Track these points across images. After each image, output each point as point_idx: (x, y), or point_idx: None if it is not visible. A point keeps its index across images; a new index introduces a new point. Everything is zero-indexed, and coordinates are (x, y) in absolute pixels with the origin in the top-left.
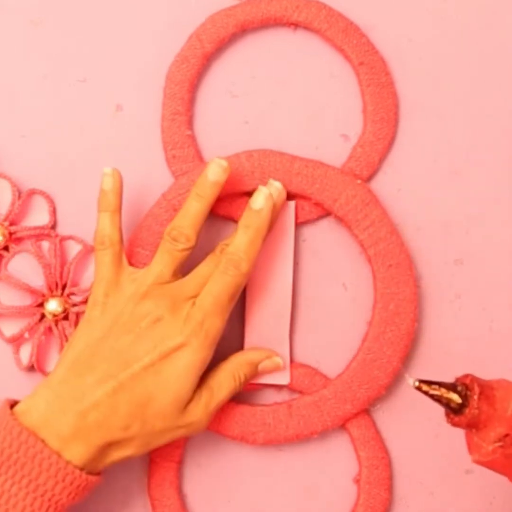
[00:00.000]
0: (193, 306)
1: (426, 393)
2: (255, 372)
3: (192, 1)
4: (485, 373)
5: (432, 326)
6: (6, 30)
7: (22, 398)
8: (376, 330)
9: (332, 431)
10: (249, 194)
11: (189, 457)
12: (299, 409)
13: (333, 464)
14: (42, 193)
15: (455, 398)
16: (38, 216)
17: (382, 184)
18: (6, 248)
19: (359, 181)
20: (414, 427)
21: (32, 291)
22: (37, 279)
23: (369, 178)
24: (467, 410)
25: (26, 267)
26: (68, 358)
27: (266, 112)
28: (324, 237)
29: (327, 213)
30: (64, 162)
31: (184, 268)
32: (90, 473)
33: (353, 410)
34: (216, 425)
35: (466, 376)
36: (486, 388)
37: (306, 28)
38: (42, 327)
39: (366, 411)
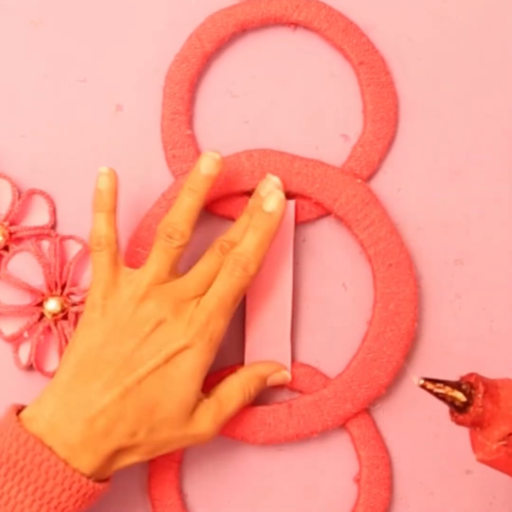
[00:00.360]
0: (197, 307)
1: (430, 391)
2: (264, 385)
3: (192, 1)
4: (485, 373)
5: (432, 326)
6: (6, 30)
7: (22, 399)
8: (376, 329)
9: (332, 431)
10: (249, 193)
11: (189, 457)
12: (299, 408)
13: (334, 463)
14: (42, 193)
15: (460, 396)
16: (38, 216)
17: (382, 184)
18: (6, 248)
19: (359, 181)
20: (414, 427)
21: (31, 290)
22: (36, 278)
23: (369, 178)
24: (471, 409)
25: (26, 266)
26: (71, 363)
27: (266, 112)
28: (324, 236)
29: (327, 213)
30: (64, 162)
31: (187, 265)
32: (97, 480)
33: (353, 409)
34: None
35: (471, 374)
36: (491, 387)
37: (306, 27)
38: (41, 327)
39: (366, 411)
